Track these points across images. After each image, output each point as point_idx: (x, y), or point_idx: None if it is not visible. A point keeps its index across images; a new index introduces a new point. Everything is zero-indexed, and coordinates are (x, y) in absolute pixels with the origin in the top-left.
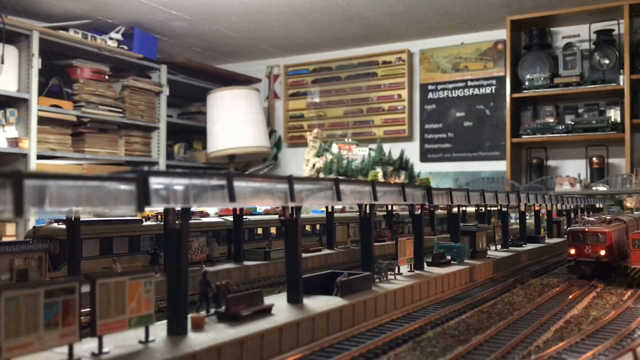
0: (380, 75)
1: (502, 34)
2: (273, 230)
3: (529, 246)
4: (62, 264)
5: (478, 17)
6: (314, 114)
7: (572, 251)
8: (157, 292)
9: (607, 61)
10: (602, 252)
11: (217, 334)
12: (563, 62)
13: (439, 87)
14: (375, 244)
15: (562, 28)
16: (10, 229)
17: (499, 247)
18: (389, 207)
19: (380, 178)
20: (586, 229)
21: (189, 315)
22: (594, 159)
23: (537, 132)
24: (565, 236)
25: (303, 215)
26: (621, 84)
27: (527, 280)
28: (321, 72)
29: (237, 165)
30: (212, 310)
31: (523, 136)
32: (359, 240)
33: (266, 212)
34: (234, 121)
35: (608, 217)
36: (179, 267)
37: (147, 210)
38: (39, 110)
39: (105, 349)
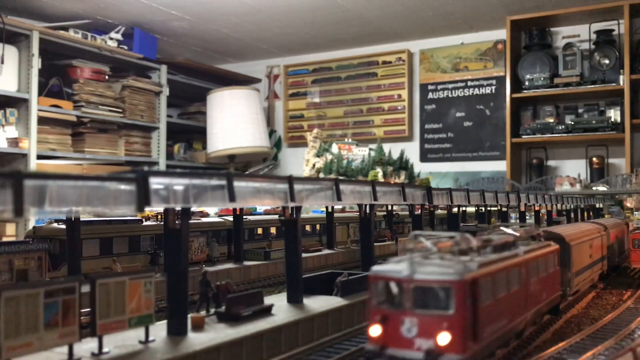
0: (380, 75)
1: (502, 34)
2: (273, 230)
3: None
4: (62, 264)
5: (478, 17)
6: (314, 114)
7: (376, 331)
8: (157, 292)
9: (607, 61)
10: (446, 338)
11: (217, 334)
12: (563, 62)
13: (439, 87)
14: (375, 244)
15: (562, 28)
16: (10, 229)
17: None
18: (389, 207)
19: (380, 178)
20: (405, 278)
21: (189, 315)
22: (594, 159)
23: (537, 132)
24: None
25: (303, 215)
26: (621, 84)
27: None
28: (321, 72)
29: (237, 165)
30: (212, 310)
31: (523, 136)
32: (359, 240)
33: (266, 212)
34: (233, 121)
35: (508, 232)
36: (179, 267)
37: (147, 210)
38: (39, 110)
39: (105, 349)
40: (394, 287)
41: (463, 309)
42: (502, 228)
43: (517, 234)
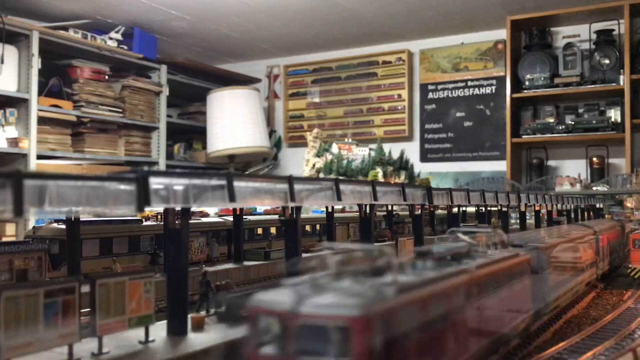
0: (380, 75)
1: (502, 34)
2: (273, 230)
3: None
4: (62, 264)
5: (478, 17)
6: (314, 114)
7: None
8: (157, 292)
9: (607, 61)
10: None
11: (217, 334)
12: (563, 62)
13: (439, 87)
14: (376, 244)
15: (562, 28)
16: (10, 229)
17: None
18: (389, 207)
19: (380, 178)
20: (287, 312)
21: (189, 315)
22: (594, 159)
23: (537, 132)
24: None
25: (303, 215)
26: (621, 84)
27: None
28: (321, 72)
29: (237, 165)
30: (212, 310)
31: (523, 136)
32: (359, 240)
33: (266, 212)
34: (233, 121)
35: (462, 240)
36: (179, 267)
37: (147, 210)
38: (38, 110)
39: (105, 349)
40: (275, 324)
41: (366, 357)
42: (458, 234)
43: (473, 242)
